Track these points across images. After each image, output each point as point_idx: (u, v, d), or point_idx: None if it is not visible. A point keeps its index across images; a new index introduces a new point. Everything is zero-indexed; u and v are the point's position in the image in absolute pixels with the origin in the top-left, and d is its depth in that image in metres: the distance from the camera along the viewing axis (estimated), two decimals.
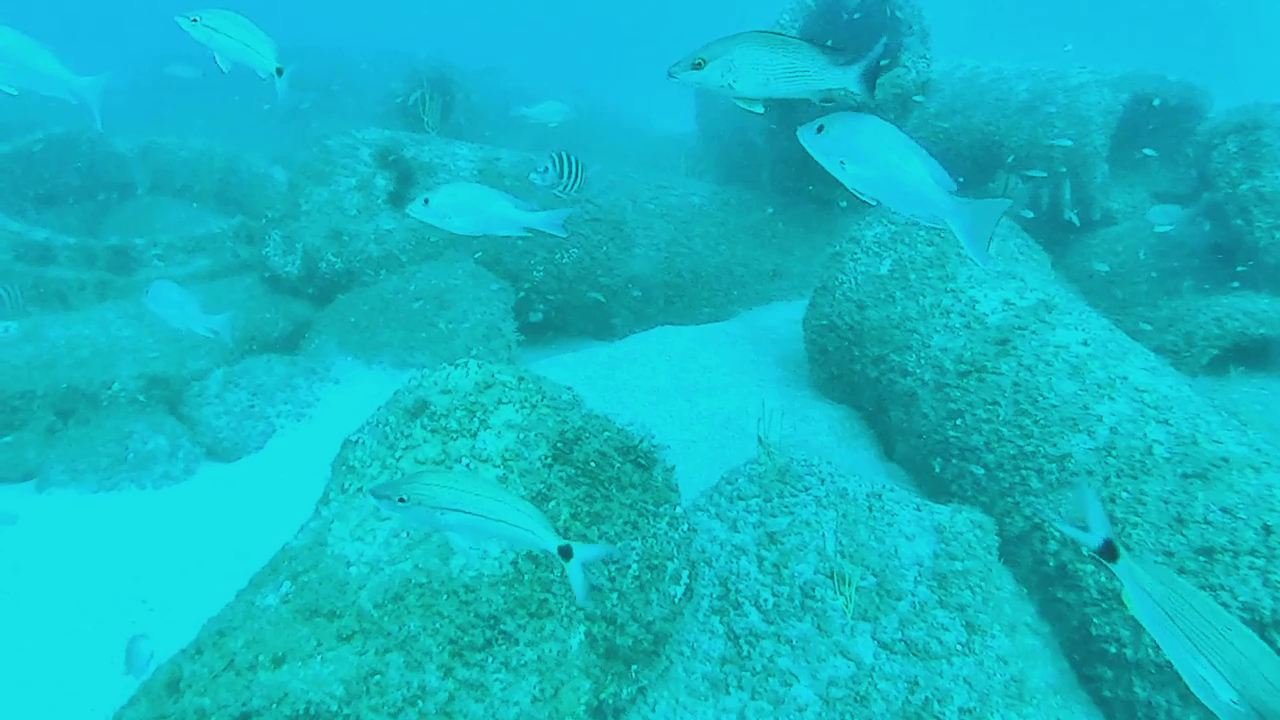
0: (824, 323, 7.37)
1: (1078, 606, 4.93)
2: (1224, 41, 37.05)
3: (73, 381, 8.21)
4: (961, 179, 4.63)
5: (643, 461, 4.13)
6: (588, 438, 4.05)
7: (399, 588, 3.40)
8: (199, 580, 6.48)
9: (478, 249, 9.31)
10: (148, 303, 7.36)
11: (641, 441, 4.17)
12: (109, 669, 5.87)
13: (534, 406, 4.12)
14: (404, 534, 3.60)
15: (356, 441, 4.24)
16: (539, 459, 3.91)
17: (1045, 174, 9.78)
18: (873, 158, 3.92)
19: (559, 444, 3.99)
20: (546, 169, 6.65)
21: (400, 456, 3.96)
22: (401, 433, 4.06)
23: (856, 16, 9.57)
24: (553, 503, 3.78)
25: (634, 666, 3.89)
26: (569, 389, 4.37)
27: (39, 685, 5.84)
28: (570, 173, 6.64)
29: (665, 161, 13.61)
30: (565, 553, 3.45)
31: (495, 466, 3.85)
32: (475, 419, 4.03)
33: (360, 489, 3.92)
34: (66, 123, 14.54)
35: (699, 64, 4.07)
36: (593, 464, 3.98)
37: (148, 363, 8.34)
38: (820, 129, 3.97)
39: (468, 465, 3.85)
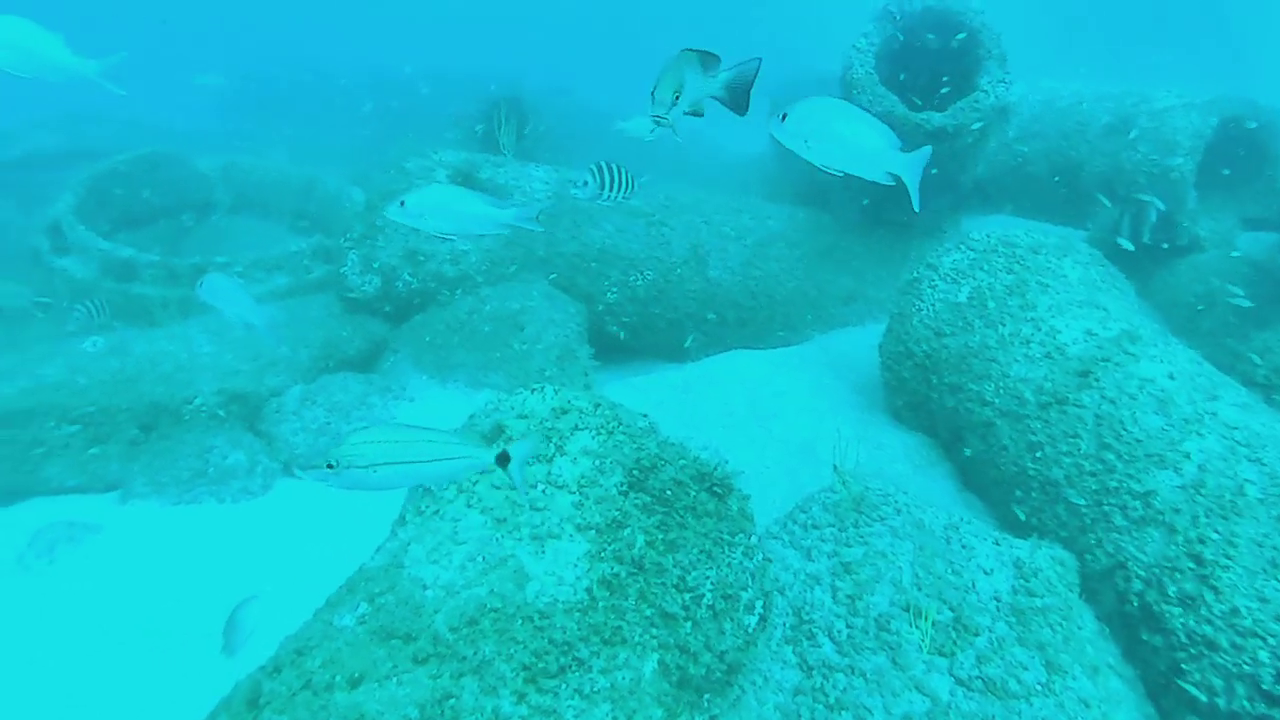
0: (900, 349, 7.29)
1: (1165, 650, 4.77)
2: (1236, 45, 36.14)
3: (155, 396, 8.37)
4: (934, 169, 4.72)
5: (718, 490, 4.10)
6: (663, 465, 4.03)
7: (474, 612, 3.40)
8: (274, 595, 6.55)
9: (552, 271, 9.36)
10: (202, 294, 7.50)
11: (717, 469, 4.14)
12: (184, 678, 5.97)
13: (610, 433, 4.11)
14: (480, 558, 3.61)
15: None
16: (614, 486, 3.90)
17: (1151, 198, 9.53)
18: (829, 131, 4.20)
19: (635, 471, 3.97)
20: (586, 182, 6.64)
21: (476, 480, 3.96)
22: None
23: (931, 37, 9.50)
24: (628, 529, 3.76)
25: (706, 696, 3.85)
26: (645, 415, 4.36)
27: (119, 693, 5.95)
28: (614, 183, 6.61)
29: (740, 184, 13.56)
30: (503, 459, 3.46)
31: (571, 493, 3.84)
32: (551, 445, 4.03)
33: (437, 512, 3.93)
34: (151, 145, 14.92)
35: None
36: (668, 492, 3.96)
37: (227, 379, 8.48)
38: (784, 116, 4.21)
39: (543, 491, 3.85)
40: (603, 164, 6.67)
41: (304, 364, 8.69)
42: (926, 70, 9.70)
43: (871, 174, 4.28)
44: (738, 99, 4.28)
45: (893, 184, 4.44)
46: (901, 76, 9.58)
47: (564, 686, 3.32)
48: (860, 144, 4.23)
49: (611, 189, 6.63)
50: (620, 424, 4.18)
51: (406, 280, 9.25)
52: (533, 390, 4.34)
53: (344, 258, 9.45)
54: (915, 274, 7.48)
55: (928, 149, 4.23)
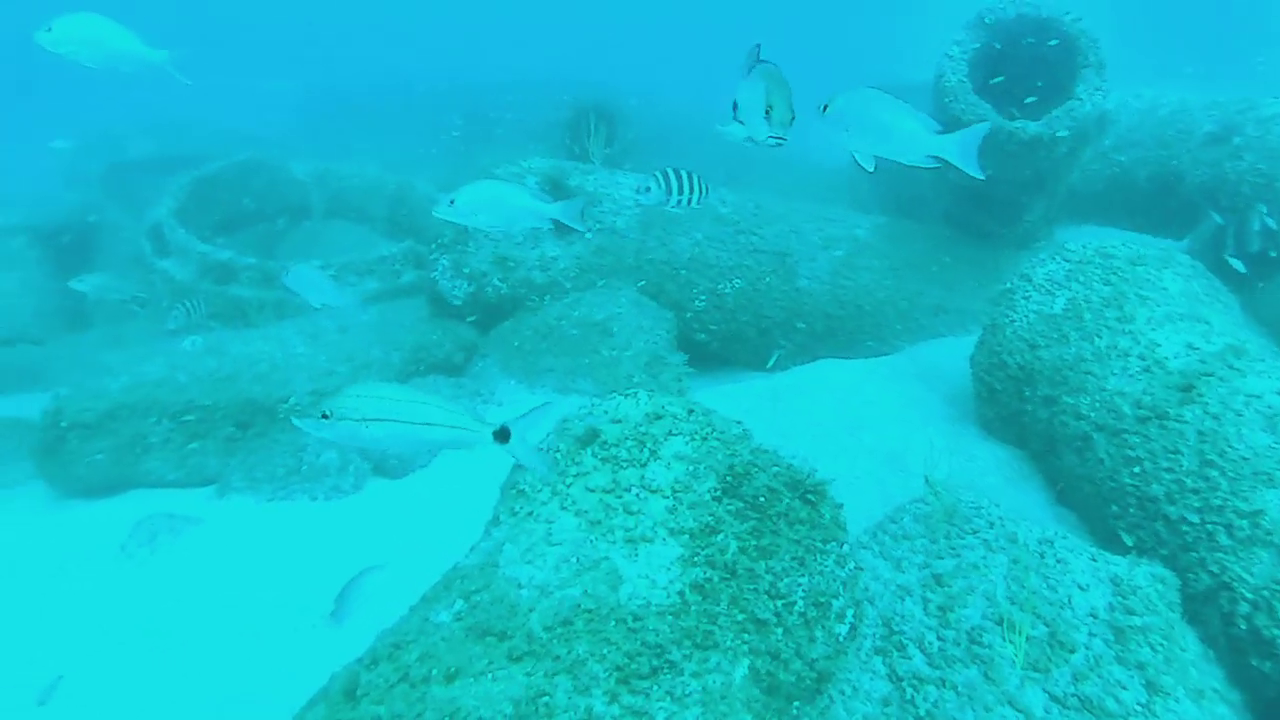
0: (992, 361, 7.19)
1: (1276, 677, 4.64)
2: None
3: (251, 395, 8.58)
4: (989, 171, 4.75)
5: (811, 497, 4.09)
6: (757, 472, 4.04)
7: (568, 612, 3.44)
8: (396, 568, 6.67)
9: (641, 278, 9.40)
10: (288, 283, 7.67)
11: (810, 476, 4.13)
12: (279, 665, 6.10)
13: (704, 439, 4.13)
14: (574, 560, 3.65)
15: (527, 466, 4.31)
16: (708, 492, 3.91)
17: (1260, 206, 9.25)
18: (867, 119, 4.35)
19: (728, 477, 3.98)
20: (649, 188, 6.63)
21: (570, 483, 4.00)
22: (572, 459, 4.11)
23: (1029, 41, 9.36)
24: (720, 535, 3.78)
25: (795, 703, 3.84)
26: (738, 422, 4.37)
27: (216, 677, 6.11)
28: (681, 189, 6.59)
29: (828, 193, 13.51)
30: (502, 435, 3.58)
31: (664, 497, 3.86)
32: (645, 449, 4.05)
33: (531, 514, 3.98)
34: (249, 150, 15.30)
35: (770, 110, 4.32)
36: (761, 498, 3.96)
37: (321, 379, 8.66)
38: (824, 107, 4.33)
39: (637, 495, 3.88)
40: (669, 170, 6.67)
41: (396, 366, 8.84)
42: (1022, 79, 9.57)
43: (911, 158, 4.41)
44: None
45: (936, 165, 4.56)
46: (999, 79, 9.45)
47: (655, 688, 3.34)
48: (897, 129, 4.35)
49: (680, 194, 6.62)
50: (714, 430, 4.20)
51: (496, 286, 9.36)
52: (626, 395, 4.38)
53: (435, 263, 9.59)
54: (1008, 285, 7.37)
55: (983, 126, 4.35)
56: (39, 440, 8.65)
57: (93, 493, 8.64)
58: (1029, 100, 9.22)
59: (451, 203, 5.76)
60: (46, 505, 8.68)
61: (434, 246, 9.71)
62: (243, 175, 14.39)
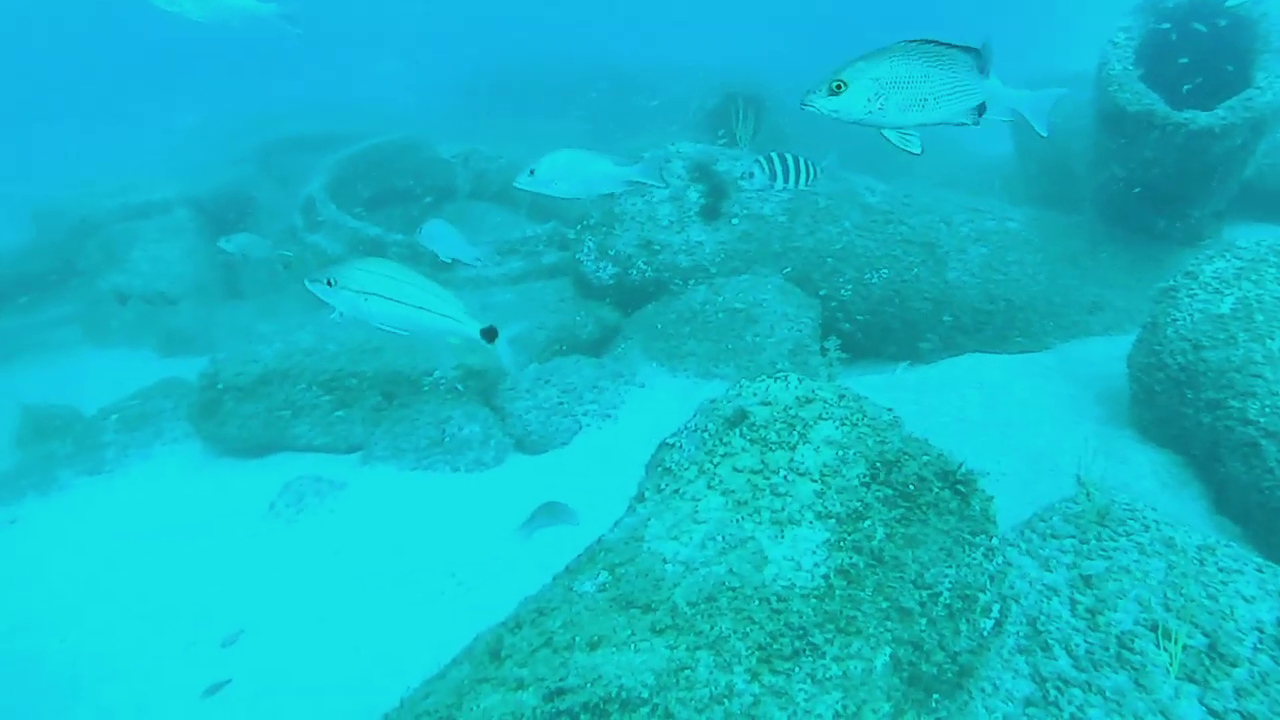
0: (1151, 361, 6.93)
1: None
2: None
3: (398, 366, 8.80)
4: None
5: (962, 488, 4.01)
6: (907, 460, 3.97)
7: (712, 589, 3.43)
8: (503, 561, 6.81)
9: (787, 265, 9.33)
10: (420, 239, 7.86)
11: (961, 468, 4.05)
12: (417, 625, 6.27)
13: (854, 425, 4.07)
14: (719, 538, 3.64)
15: (673, 445, 4.32)
16: (857, 477, 3.86)
17: None
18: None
19: (877, 464, 3.92)
20: (751, 174, 6.54)
21: (718, 463, 3.99)
22: (720, 440, 4.10)
23: (1203, 29, 8.98)
24: (868, 522, 3.72)
25: (935, 696, 3.77)
26: (889, 410, 4.30)
27: (359, 634, 6.31)
28: (786, 174, 6.48)
29: (980, 184, 13.20)
30: (489, 334, 4.03)
31: (813, 481, 3.82)
32: (794, 433, 4.02)
33: (677, 491, 3.98)
34: (399, 131, 15.67)
35: (838, 87, 3.72)
36: (911, 486, 3.89)
37: (466, 354, 8.81)
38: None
39: (785, 478, 3.85)
40: (772, 155, 6.58)
41: (539, 345, 8.95)
42: (1196, 66, 9.17)
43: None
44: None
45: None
46: (1184, 59, 9.05)
47: (797, 669, 3.31)
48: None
49: (785, 179, 6.51)
50: (865, 416, 4.14)
51: (641, 269, 9.41)
52: (776, 378, 4.34)
53: (580, 245, 9.67)
54: (1171, 282, 7.08)
55: (1059, 90, 3.92)
56: (196, 401, 9.06)
57: (244, 453, 9.01)
58: (1186, 88, 8.82)
59: (532, 172, 5.84)
60: (201, 463, 9.09)
61: (579, 228, 9.81)
62: (392, 155, 14.76)
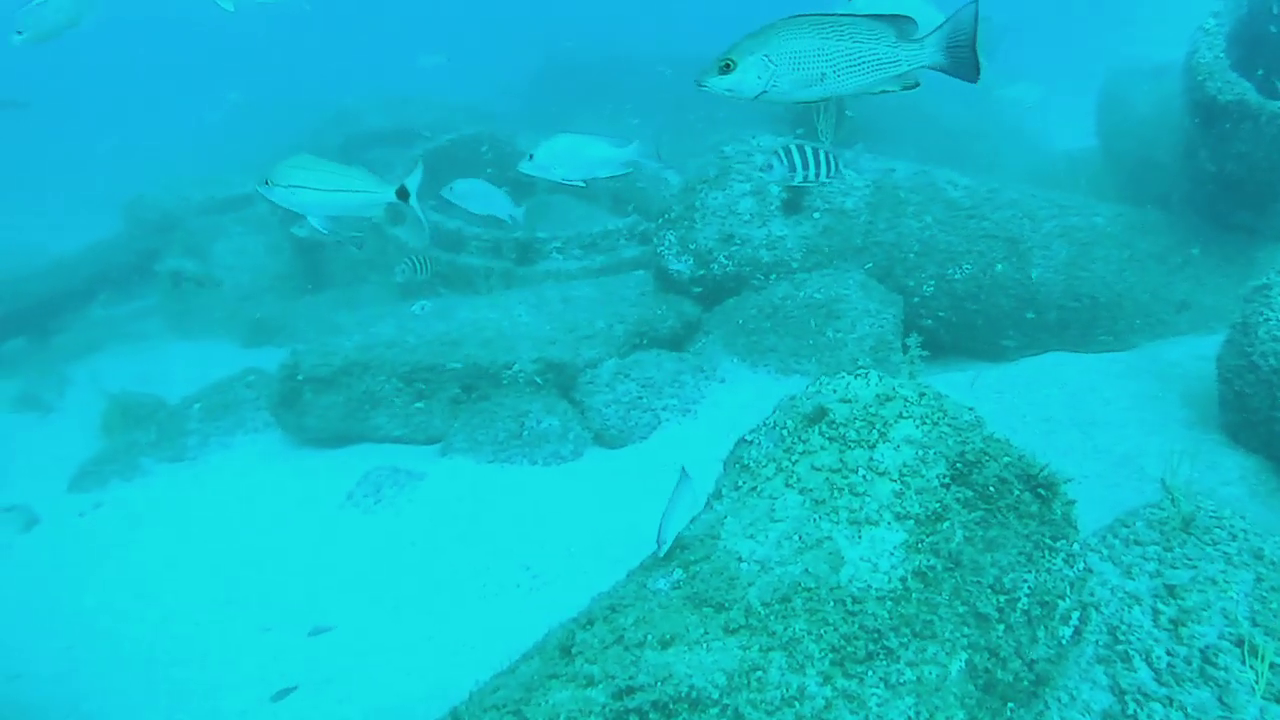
0: (1241, 363, 6.73)
1: None
2: None
3: (477, 359, 8.87)
4: None
5: (1043, 492, 3.94)
6: (988, 461, 3.90)
7: (787, 589, 3.41)
8: (579, 555, 6.84)
9: (868, 260, 9.24)
10: (452, 198, 8.00)
11: (1043, 471, 3.98)
12: (494, 616, 6.33)
13: (935, 424, 4.02)
14: (796, 537, 3.62)
15: (751, 442, 4.30)
16: (936, 478, 3.81)
17: None
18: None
19: (958, 464, 3.87)
20: (771, 165, 6.48)
21: (796, 460, 3.96)
22: (799, 437, 4.07)
23: None
24: (946, 524, 3.67)
25: (1010, 704, 3.71)
26: (971, 409, 4.24)
27: (436, 629, 6.38)
28: (806, 165, 6.41)
29: (1064, 179, 12.94)
30: (402, 194, 4.60)
31: (892, 480, 3.78)
32: (874, 431, 3.98)
33: (754, 489, 3.96)
34: (475, 125, 15.80)
35: (727, 66, 3.59)
36: (991, 488, 3.83)
37: (545, 348, 8.87)
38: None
39: (864, 477, 3.81)
40: (791, 146, 6.52)
41: (619, 339, 8.97)
42: None
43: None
44: (962, 62, 3.61)
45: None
46: None
47: (870, 673, 3.28)
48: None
49: (805, 171, 6.45)
50: (946, 415, 4.08)
51: (722, 263, 9.38)
52: (856, 375, 4.30)
53: (661, 238, 9.66)
54: (1264, 280, 6.86)
55: (970, 9, 3.45)
56: (276, 392, 9.24)
57: (323, 443, 9.16)
58: (1259, 74, 8.51)
59: (531, 158, 5.93)
60: (281, 452, 9.27)
61: (660, 222, 9.80)
62: (471, 148, 14.86)
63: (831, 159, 6.54)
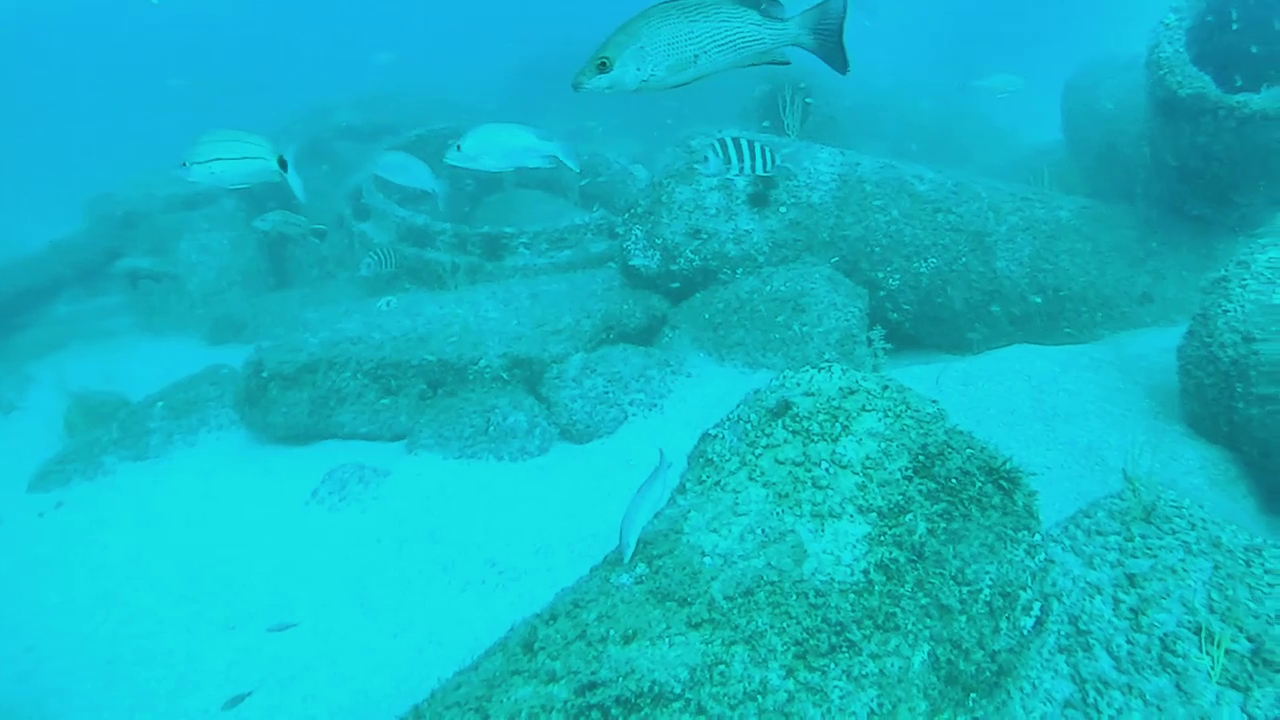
0: (1202, 354, 6.79)
1: None
2: None
3: (444, 355, 8.84)
4: None
5: (1005, 483, 3.97)
6: (950, 453, 3.93)
7: (750, 583, 3.42)
8: (545, 551, 6.84)
9: (835, 254, 9.28)
10: (379, 171, 8.04)
11: (1005, 463, 4.00)
12: (461, 612, 6.31)
13: (898, 416, 4.04)
14: (759, 531, 3.63)
15: (716, 436, 4.30)
16: (899, 470, 3.83)
17: None
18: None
19: (921, 457, 3.89)
20: (706, 158, 6.53)
21: (760, 454, 3.98)
22: (762, 431, 4.08)
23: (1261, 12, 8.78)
24: (909, 516, 3.69)
25: (973, 695, 3.74)
26: (934, 401, 4.26)
27: (400, 626, 6.36)
28: (741, 158, 6.46)
29: (1030, 173, 13.05)
30: (281, 162, 4.99)
31: (855, 474, 3.80)
32: (837, 424, 3.99)
33: (718, 483, 3.97)
34: (447, 121, 15.76)
35: (603, 64, 3.65)
36: (954, 480, 3.85)
37: (512, 343, 8.85)
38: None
39: (827, 470, 3.82)
40: (726, 139, 6.56)
41: (586, 334, 8.96)
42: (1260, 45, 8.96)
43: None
44: (830, 48, 3.73)
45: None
46: (1255, 49, 8.84)
47: (833, 666, 3.29)
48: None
49: (740, 163, 6.49)
50: (909, 407, 4.10)
51: (689, 257, 9.39)
52: (820, 368, 4.31)
53: (628, 233, 9.66)
54: (1223, 272, 6.93)
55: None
56: (241, 388, 9.18)
57: (289, 440, 9.11)
58: (1238, 82, 8.60)
59: (458, 148, 5.96)
60: (246, 450, 9.20)
61: (627, 216, 9.79)
62: (440, 143, 14.77)
63: (768, 152, 6.56)
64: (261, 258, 14.86)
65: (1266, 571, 4.42)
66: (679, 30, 3.55)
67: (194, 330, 13.64)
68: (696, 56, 3.60)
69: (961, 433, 4.09)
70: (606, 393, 8.34)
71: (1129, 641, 4.29)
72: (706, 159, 6.57)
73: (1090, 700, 4.16)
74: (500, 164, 6.03)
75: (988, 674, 3.77)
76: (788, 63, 3.75)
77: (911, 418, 4.06)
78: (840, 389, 4.17)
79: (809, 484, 3.78)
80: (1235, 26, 8.90)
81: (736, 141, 6.52)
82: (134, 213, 15.34)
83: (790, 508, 3.71)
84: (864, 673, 3.33)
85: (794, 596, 3.40)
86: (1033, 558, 4.00)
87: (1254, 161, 8.57)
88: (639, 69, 3.60)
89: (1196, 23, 8.69)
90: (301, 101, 20.28)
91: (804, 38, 3.68)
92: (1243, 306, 6.62)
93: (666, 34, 3.56)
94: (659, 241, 9.44)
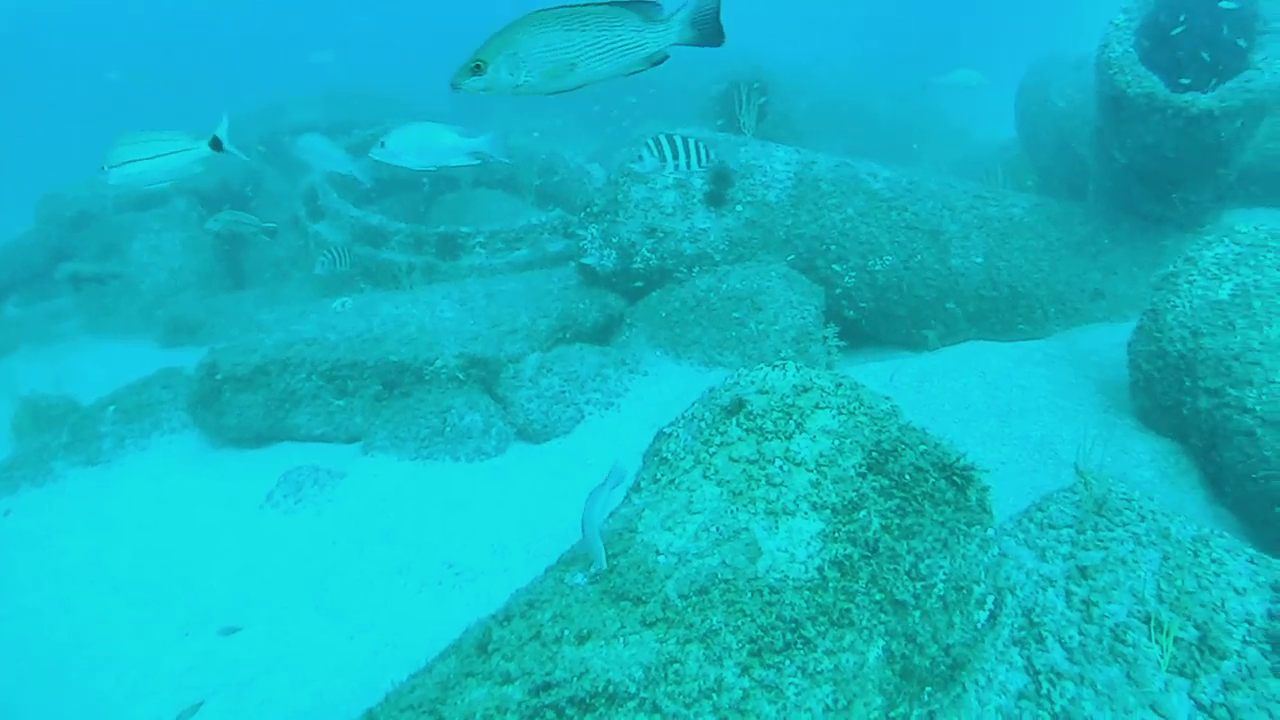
0: (1151, 349, 6.90)
1: None
2: None
3: (400, 356, 8.79)
4: None
5: (958, 479, 4.00)
6: (904, 449, 3.96)
7: (705, 581, 3.44)
8: (502, 551, 6.83)
9: (791, 252, 9.31)
10: (298, 152, 8.02)
11: (959, 459, 4.04)
12: (418, 614, 6.29)
13: (851, 414, 4.07)
14: (714, 529, 3.64)
15: (670, 434, 4.31)
16: (853, 467, 3.86)
17: None
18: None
19: (874, 453, 3.92)
20: (641, 157, 6.57)
21: (714, 452, 3.99)
22: (717, 429, 4.10)
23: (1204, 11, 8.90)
24: (863, 512, 3.72)
25: (928, 689, 3.77)
26: (887, 398, 4.29)
27: (354, 629, 6.32)
28: (676, 155, 6.51)
29: (985, 171, 13.18)
30: (215, 144, 5.01)
31: (809, 471, 3.82)
32: (791, 422, 4.01)
33: (672, 481, 3.98)
34: (401, 119, 15.68)
35: (478, 67, 3.75)
36: (907, 477, 3.89)
37: (468, 343, 8.81)
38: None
39: (781, 467, 3.84)
40: (661, 137, 6.60)
41: (542, 333, 8.94)
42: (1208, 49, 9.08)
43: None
44: (708, 33, 3.86)
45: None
46: (1206, 57, 8.96)
47: (788, 663, 3.31)
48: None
49: (676, 161, 6.54)
50: (862, 404, 4.13)
51: (645, 256, 9.38)
52: (774, 366, 4.34)
53: (584, 232, 9.65)
54: (1171, 269, 7.04)
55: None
56: (194, 391, 9.07)
57: (243, 443, 9.02)
58: (1184, 81, 8.72)
59: (382, 145, 5.98)
60: (199, 453, 9.11)
61: (583, 215, 9.78)
62: None
63: (703, 149, 6.60)
64: (216, 259, 14.71)
65: (1213, 561, 4.49)
66: (554, 39, 3.63)
67: (146, 332, 13.49)
68: (574, 64, 3.68)
69: (915, 429, 4.13)
70: (563, 392, 8.33)
71: (1081, 633, 4.34)
72: (641, 157, 6.60)
73: (1044, 691, 4.20)
74: (422, 162, 6.03)
75: (943, 668, 3.80)
76: (667, 58, 3.84)
77: (865, 415, 4.09)
78: (794, 386, 4.19)
79: (763, 481, 3.80)
80: (1176, 31, 9.03)
81: (671, 139, 6.55)
82: (85, 213, 15.15)
83: (744, 505, 3.72)
84: (819, 669, 3.34)
85: (749, 594, 3.41)
86: (986, 552, 4.05)
87: (1201, 160, 8.70)
88: (512, 74, 3.69)
89: (1147, 23, 8.80)
90: (251, 100, 20.09)
91: (686, 34, 3.79)
92: (1190, 302, 6.72)
93: (542, 41, 3.63)
94: (615, 240, 9.44)
